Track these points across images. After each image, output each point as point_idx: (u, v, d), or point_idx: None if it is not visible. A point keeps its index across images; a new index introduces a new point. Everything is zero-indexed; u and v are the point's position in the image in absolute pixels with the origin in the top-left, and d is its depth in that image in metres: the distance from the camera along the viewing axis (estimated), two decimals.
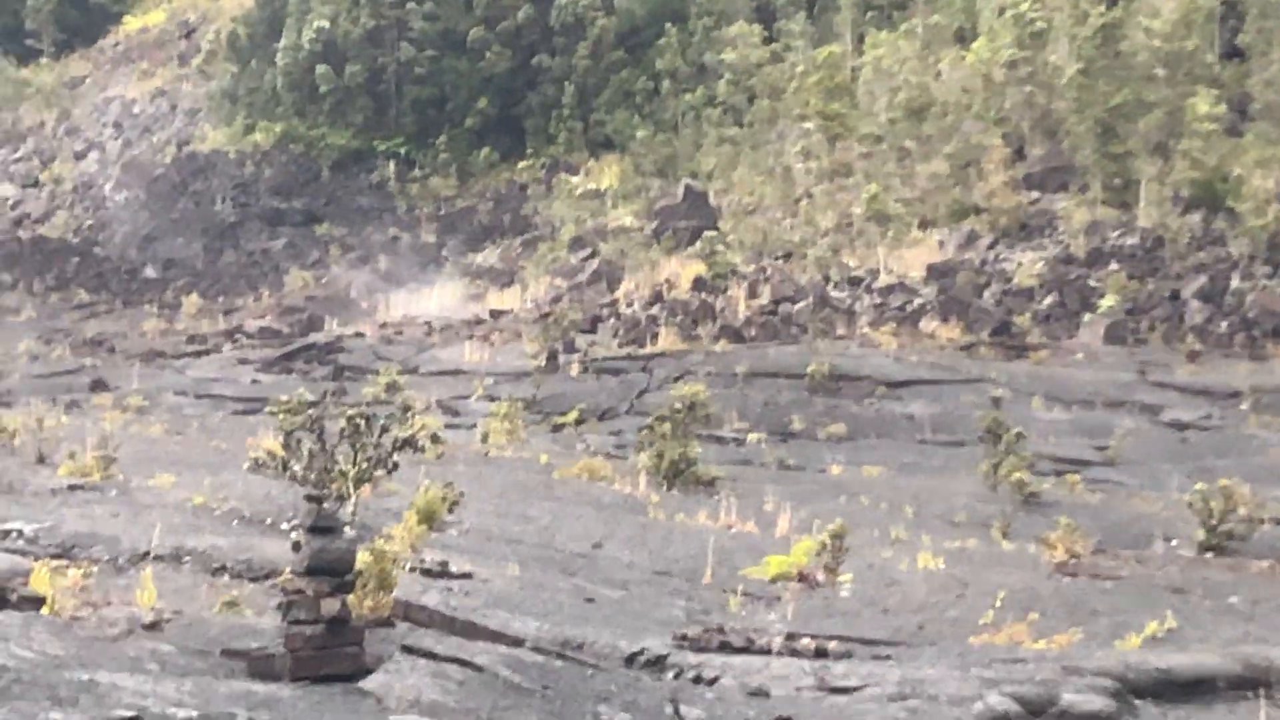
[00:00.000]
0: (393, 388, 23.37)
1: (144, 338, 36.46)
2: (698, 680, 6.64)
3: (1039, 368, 27.37)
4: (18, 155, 51.84)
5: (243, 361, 32.27)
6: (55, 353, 34.53)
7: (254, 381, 29.53)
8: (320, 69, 47.18)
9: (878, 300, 32.28)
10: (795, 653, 7.22)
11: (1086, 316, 30.08)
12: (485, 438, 20.43)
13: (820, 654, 7.22)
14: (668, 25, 46.97)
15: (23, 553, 8.72)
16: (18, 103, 53.56)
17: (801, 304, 31.87)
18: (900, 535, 13.57)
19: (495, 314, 36.55)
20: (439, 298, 38.98)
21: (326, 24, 47.75)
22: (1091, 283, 31.58)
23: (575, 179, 44.31)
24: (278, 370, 30.80)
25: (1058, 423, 23.60)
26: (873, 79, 40.48)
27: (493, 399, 24.92)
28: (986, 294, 32.23)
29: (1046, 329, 29.89)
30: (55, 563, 7.85)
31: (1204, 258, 32.13)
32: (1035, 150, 37.87)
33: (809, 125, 39.37)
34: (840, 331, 30.03)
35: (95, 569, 8.11)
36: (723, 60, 44.86)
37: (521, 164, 46.74)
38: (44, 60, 55.73)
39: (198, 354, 34.01)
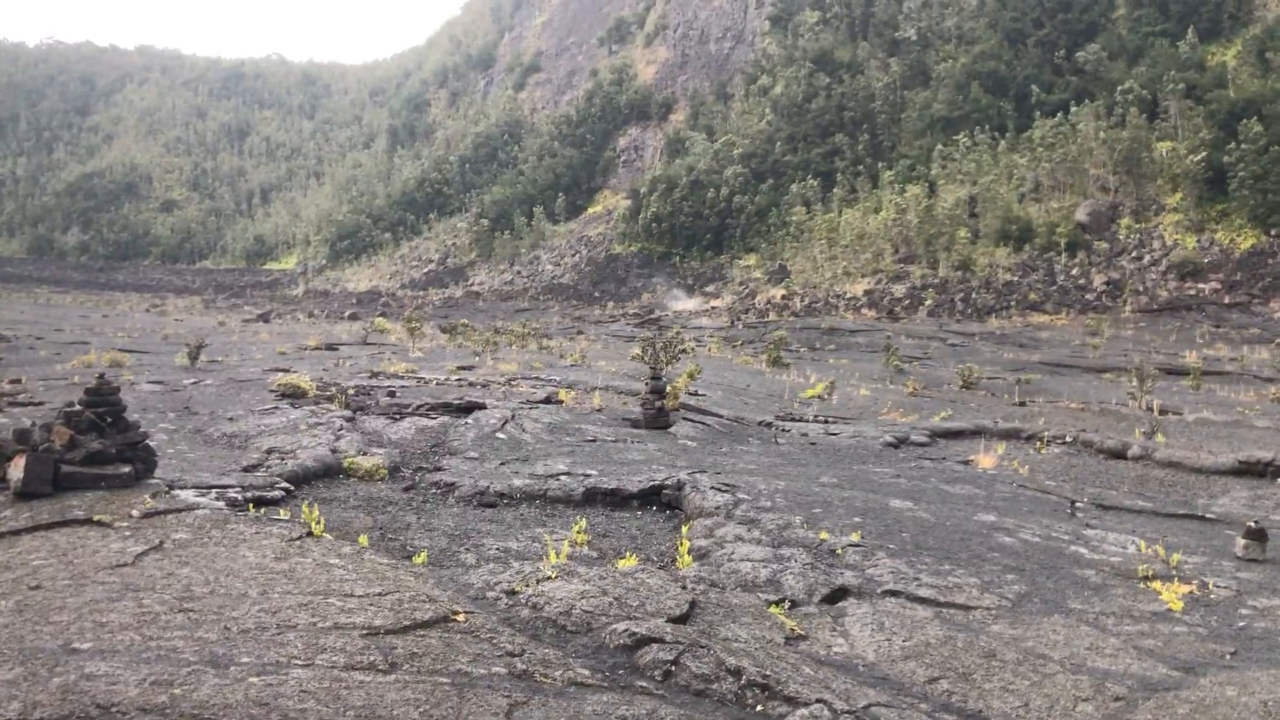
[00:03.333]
0: None
1: None
2: (784, 430, 15.55)
3: None
4: None
5: None
6: None
7: None
8: None
9: None
10: (817, 419, 16.08)
11: None
12: None
13: (827, 421, 15.87)
14: None
15: (555, 383, 19.93)
16: None
17: None
18: None
19: None
20: None
21: None
22: None
23: None
24: None
25: None
26: None
27: None
28: None
29: None
30: (569, 389, 18.80)
31: None
32: None
33: None
34: None
35: (589, 390, 18.85)
36: None
37: None
38: None
39: None
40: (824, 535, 8.24)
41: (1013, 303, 61.07)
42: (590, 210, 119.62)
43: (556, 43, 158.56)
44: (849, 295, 70.09)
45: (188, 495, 7.70)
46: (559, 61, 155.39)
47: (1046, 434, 16.20)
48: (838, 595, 6.84)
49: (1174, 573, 7.83)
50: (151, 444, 8.38)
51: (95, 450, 7.45)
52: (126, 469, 7.62)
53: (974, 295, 64.14)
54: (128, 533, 6.53)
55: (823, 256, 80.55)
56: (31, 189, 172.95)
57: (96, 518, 6.71)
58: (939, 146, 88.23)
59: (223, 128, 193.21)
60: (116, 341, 33.04)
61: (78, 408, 7.70)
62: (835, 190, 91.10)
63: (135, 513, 6.89)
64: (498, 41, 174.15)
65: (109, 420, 7.76)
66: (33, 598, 5.17)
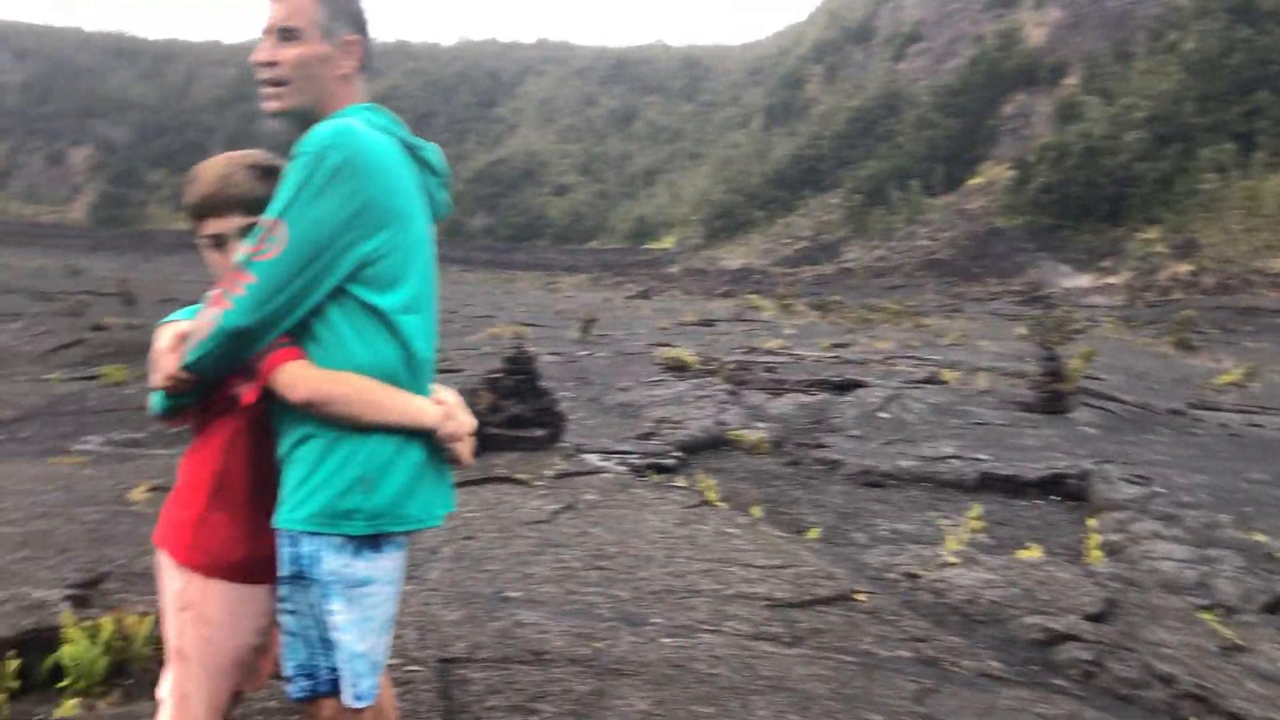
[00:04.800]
0: None
1: None
2: (1198, 419, 13.91)
3: None
4: None
5: None
6: None
7: None
8: None
9: None
10: (1236, 408, 13.98)
11: None
12: None
13: (1249, 411, 13.72)
14: None
15: (935, 362, 19.05)
16: None
17: None
18: None
19: None
20: None
21: None
22: None
23: None
24: None
25: None
26: None
27: None
28: None
29: None
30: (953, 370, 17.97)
31: None
32: None
33: None
34: None
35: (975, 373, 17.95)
36: None
37: None
38: None
39: None
40: (1259, 537, 7.36)
41: None
42: (970, 182, 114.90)
43: (938, 9, 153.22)
44: (1271, 271, 62.63)
45: (593, 459, 8.16)
46: (940, 29, 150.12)
47: None
48: None
49: None
50: (560, 410, 8.97)
51: (514, 414, 8.06)
52: (540, 432, 8.20)
53: None
54: (543, 491, 7.02)
55: (1239, 228, 72.53)
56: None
57: (516, 476, 7.26)
58: None
59: (610, 114, 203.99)
60: (517, 315, 35.91)
61: (500, 375, 8.38)
62: (1256, 154, 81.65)
63: (549, 473, 7.38)
64: (876, 13, 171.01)
65: (526, 387, 8.37)
66: (468, 547, 5.66)
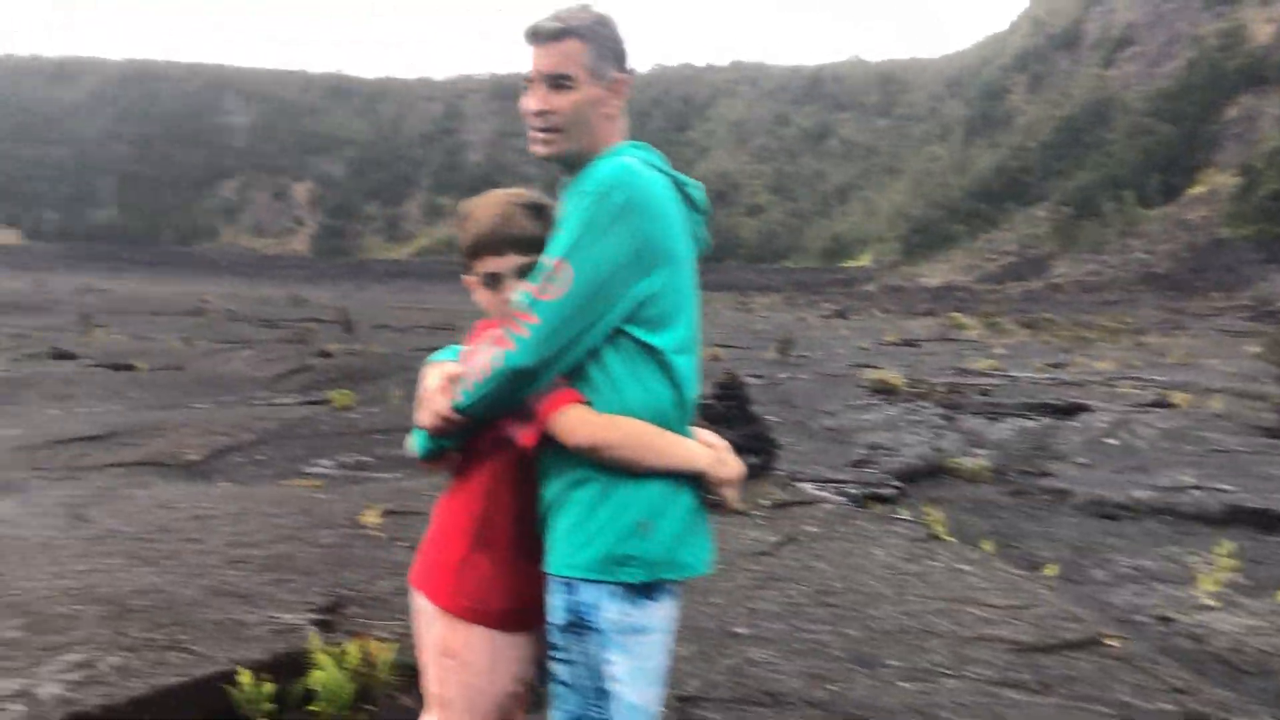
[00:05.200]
0: None
1: None
2: None
3: None
4: None
5: None
6: None
7: None
8: None
9: None
10: None
11: None
12: None
13: None
14: None
15: (1161, 383, 17.70)
16: None
17: None
18: None
19: None
20: None
21: None
22: None
23: None
24: None
25: None
26: None
27: None
28: None
29: None
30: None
31: None
32: None
33: None
34: None
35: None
36: None
37: None
38: None
39: None
40: None
41: None
42: (1190, 191, 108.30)
43: (1150, 11, 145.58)
44: None
45: (809, 488, 7.99)
46: (1153, 32, 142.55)
47: None
48: None
49: None
50: (772, 436, 8.84)
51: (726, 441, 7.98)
52: (753, 459, 8.07)
53: None
54: (762, 522, 6.89)
55: None
56: None
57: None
58: None
59: (802, 132, 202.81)
60: (713, 337, 35.94)
61: (709, 401, 8.32)
62: None
63: (766, 503, 7.26)
64: (1083, 18, 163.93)
65: (736, 413, 8.29)
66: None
